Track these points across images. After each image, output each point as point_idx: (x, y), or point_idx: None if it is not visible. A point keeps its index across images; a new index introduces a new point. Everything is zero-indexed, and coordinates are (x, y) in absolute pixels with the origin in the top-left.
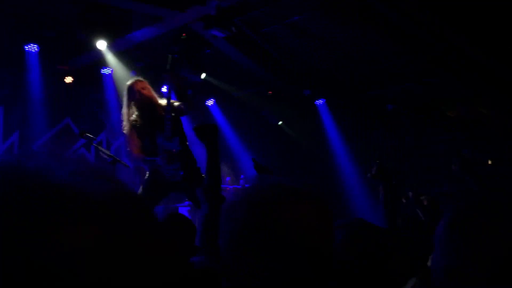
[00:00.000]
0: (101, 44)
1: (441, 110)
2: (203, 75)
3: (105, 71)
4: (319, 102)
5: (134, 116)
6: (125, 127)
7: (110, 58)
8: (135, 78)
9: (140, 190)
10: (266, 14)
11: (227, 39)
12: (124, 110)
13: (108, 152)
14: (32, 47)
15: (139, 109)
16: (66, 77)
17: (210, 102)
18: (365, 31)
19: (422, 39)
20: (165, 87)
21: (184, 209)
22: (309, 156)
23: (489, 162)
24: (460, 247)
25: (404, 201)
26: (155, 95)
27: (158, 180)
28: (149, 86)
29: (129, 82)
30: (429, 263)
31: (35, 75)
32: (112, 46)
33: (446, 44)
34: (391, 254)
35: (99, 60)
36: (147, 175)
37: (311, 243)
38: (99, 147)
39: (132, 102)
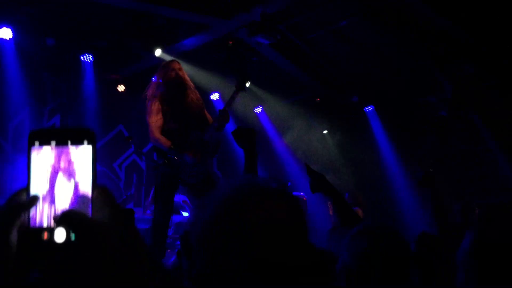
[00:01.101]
0: (157, 52)
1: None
2: (247, 84)
3: (156, 79)
4: (368, 108)
5: (164, 94)
6: (151, 104)
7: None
8: (173, 58)
9: (157, 184)
10: (312, 20)
11: (274, 46)
12: (153, 85)
13: (153, 158)
14: (87, 57)
15: (171, 88)
16: (118, 86)
17: (258, 110)
18: (412, 36)
19: (471, 44)
20: (216, 94)
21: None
22: (358, 164)
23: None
24: (488, 276)
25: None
26: (190, 80)
27: (172, 176)
28: (184, 71)
29: (166, 61)
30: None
31: (89, 84)
32: (163, 54)
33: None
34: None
35: (149, 68)
36: (161, 166)
37: (279, 241)
38: (143, 152)
39: (166, 79)
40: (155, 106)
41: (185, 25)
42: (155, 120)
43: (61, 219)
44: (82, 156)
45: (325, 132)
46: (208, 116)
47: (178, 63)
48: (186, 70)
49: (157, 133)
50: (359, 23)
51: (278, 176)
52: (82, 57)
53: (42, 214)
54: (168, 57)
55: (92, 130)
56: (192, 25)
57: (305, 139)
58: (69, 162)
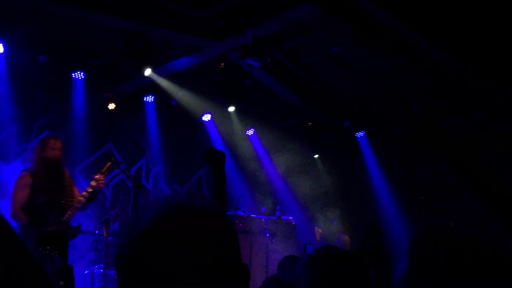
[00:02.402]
0: (147, 72)
1: (490, 147)
2: (231, 108)
3: (147, 98)
4: (359, 134)
5: (40, 169)
6: (21, 178)
7: (152, 86)
8: (51, 135)
9: None
10: (305, 45)
11: (267, 69)
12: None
13: (132, 177)
14: (79, 75)
15: (49, 164)
16: (109, 104)
17: (250, 132)
18: (405, 63)
19: (463, 74)
20: (208, 115)
21: None
22: (348, 189)
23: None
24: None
25: None
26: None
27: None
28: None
29: (44, 137)
30: None
31: (80, 101)
32: (154, 75)
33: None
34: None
35: (141, 87)
36: None
37: (208, 262)
38: (125, 171)
39: (44, 155)
40: (25, 180)
41: (178, 46)
42: (22, 195)
43: None
44: None
45: (316, 156)
46: (76, 192)
47: (56, 139)
48: (178, 91)
49: (19, 209)
50: (353, 49)
51: (267, 199)
52: (73, 74)
53: None
54: (158, 78)
55: None
56: (184, 46)
57: (296, 163)
58: None
